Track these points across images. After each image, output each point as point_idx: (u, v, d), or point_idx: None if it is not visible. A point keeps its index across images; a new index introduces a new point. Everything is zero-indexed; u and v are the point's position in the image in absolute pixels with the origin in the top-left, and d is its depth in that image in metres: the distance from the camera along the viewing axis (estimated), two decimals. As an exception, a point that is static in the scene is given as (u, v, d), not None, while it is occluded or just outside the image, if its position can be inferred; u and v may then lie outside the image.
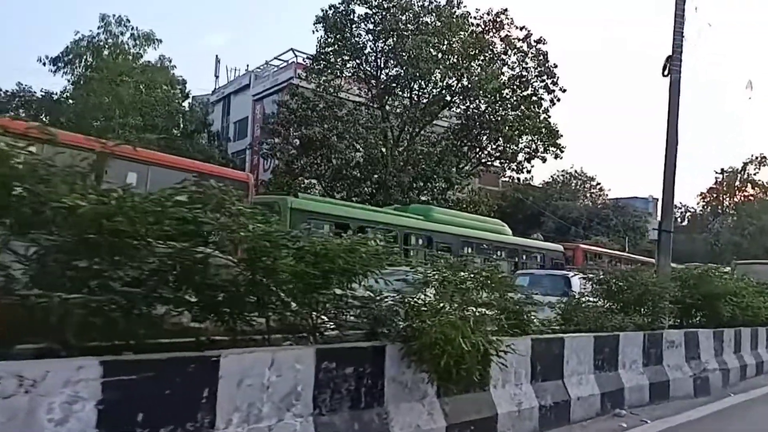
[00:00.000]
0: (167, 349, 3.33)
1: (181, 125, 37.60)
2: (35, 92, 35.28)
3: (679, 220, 61.95)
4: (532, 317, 6.01)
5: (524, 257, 19.44)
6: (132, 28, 34.03)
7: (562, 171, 67.68)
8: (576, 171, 69.06)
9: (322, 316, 4.56)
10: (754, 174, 56.91)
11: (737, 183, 58.19)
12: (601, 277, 8.07)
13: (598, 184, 71.53)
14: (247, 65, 46.43)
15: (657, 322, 8.09)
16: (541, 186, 62.06)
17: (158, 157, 10.09)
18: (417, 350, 3.94)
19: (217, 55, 61.79)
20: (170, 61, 37.97)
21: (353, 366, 3.87)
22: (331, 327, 5.23)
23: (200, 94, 47.78)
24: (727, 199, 59.36)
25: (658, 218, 9.45)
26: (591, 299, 8.02)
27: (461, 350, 3.78)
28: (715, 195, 59.57)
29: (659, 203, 9.28)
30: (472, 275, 5.61)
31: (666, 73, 9.37)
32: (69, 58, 34.51)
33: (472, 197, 26.50)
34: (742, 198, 58.13)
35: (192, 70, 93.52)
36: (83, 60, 35.22)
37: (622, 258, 26.80)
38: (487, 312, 5.07)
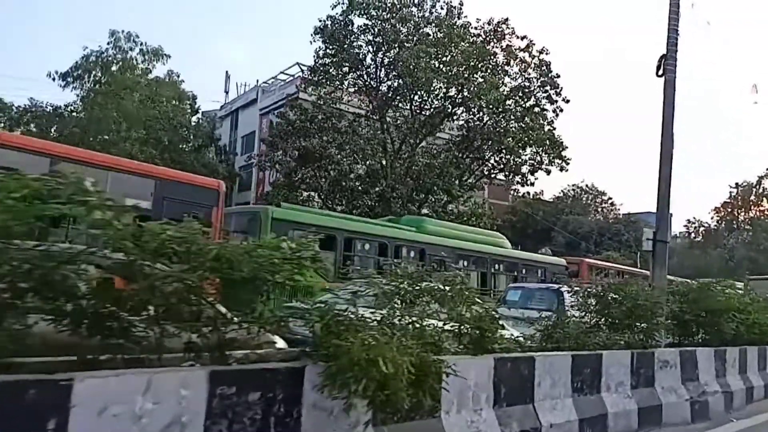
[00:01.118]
0: (31, 370, 2.81)
1: (190, 140, 37.86)
2: (46, 107, 35.63)
3: (693, 235, 60.83)
4: (503, 333, 5.42)
5: (524, 271, 18.73)
6: (141, 44, 34.34)
7: (573, 185, 66.89)
8: (587, 185, 68.25)
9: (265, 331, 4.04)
10: (770, 188, 55.67)
11: (752, 197, 56.95)
12: (586, 290, 7.43)
13: (610, 198, 70.51)
14: (257, 80, 46.63)
15: (650, 339, 7.42)
16: (551, 201, 61.37)
17: (119, 163, 9.67)
18: (334, 373, 3.36)
19: (227, 71, 62.25)
20: (178, 76, 38.30)
21: (261, 391, 3.30)
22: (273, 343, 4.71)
23: (210, 109, 48.16)
24: (742, 213, 58.05)
25: (655, 228, 8.78)
26: (576, 314, 7.40)
27: (382, 373, 3.20)
28: (729, 209, 58.30)
29: (665, 215, 8.66)
30: (430, 287, 5.05)
31: (660, 72, 8.79)
32: (78, 73, 34.84)
33: (474, 210, 25.84)
34: (758, 213, 56.82)
35: (210, 86, 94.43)
36: (92, 75, 35.54)
37: (629, 273, 25.93)
38: (437, 327, 4.50)
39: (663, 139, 8.57)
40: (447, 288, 5.01)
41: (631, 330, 7.25)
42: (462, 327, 5.07)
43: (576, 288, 7.72)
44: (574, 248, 49.38)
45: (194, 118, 40.06)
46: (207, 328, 3.45)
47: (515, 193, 46.16)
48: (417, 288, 4.93)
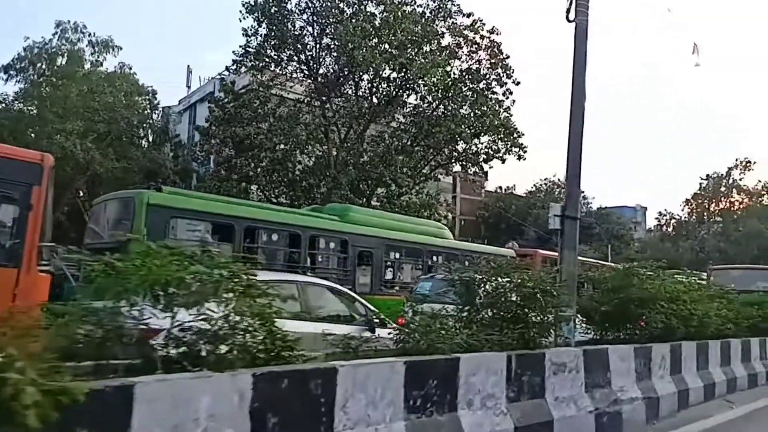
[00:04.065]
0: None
1: (141, 135, 36.24)
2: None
3: (664, 228, 60.26)
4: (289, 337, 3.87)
5: (466, 263, 17.19)
6: (89, 35, 32.51)
7: (545, 179, 66.34)
8: (560, 179, 67.59)
9: None
10: (740, 179, 55.26)
11: (722, 188, 56.56)
12: (457, 276, 5.93)
13: (582, 192, 69.96)
14: (219, 73, 44.90)
15: (543, 338, 5.94)
16: (524, 195, 60.53)
17: None
18: None
19: (188, 65, 60.28)
20: (130, 68, 36.53)
21: None
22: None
23: (171, 105, 46.20)
24: (713, 205, 57.64)
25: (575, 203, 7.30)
26: (449, 308, 5.90)
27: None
28: (700, 201, 57.84)
29: (575, 186, 7.16)
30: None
31: (571, 17, 7.30)
32: (23, 65, 32.94)
33: (424, 201, 24.34)
34: (728, 204, 56.42)
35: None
36: (36, 67, 33.63)
37: (591, 265, 24.62)
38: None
39: (573, 92, 7.11)
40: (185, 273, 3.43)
41: (527, 325, 5.76)
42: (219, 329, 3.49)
43: (446, 275, 6.20)
44: (545, 242, 48.41)
45: (155, 114, 38.40)
46: None
47: (481, 188, 44.91)
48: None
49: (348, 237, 14.11)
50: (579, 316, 7.95)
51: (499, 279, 5.97)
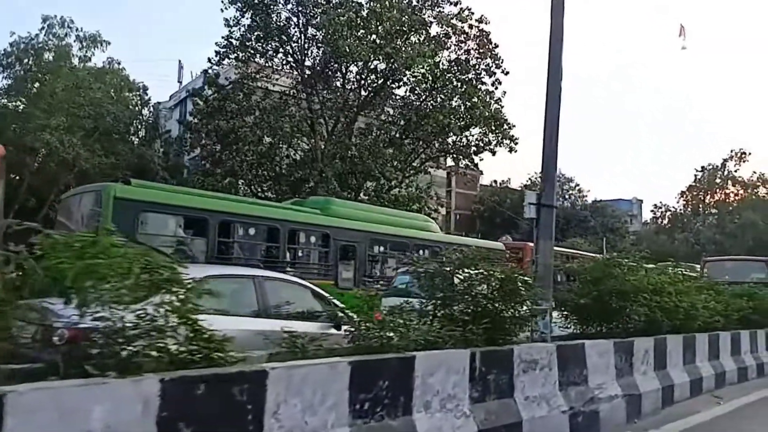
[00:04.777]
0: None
1: (132, 131, 35.88)
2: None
3: (659, 220, 59.96)
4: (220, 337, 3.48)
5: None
6: (77, 30, 32.11)
7: (540, 173, 65.81)
8: (554, 173, 67.31)
9: None
10: (735, 171, 54.97)
11: (718, 180, 56.24)
12: (422, 269, 5.54)
13: (577, 185, 69.84)
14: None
15: (512, 333, 5.57)
16: (519, 189, 60.23)
17: None
18: None
19: (180, 60, 59.76)
20: (119, 64, 36.09)
21: None
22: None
23: (164, 100, 45.72)
24: (708, 197, 57.36)
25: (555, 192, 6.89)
26: (413, 302, 5.53)
27: None
28: (695, 193, 57.55)
29: (551, 170, 6.76)
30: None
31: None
32: (9, 61, 32.55)
33: (412, 195, 23.92)
34: (723, 196, 56.13)
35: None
36: (23, 63, 33.23)
37: (581, 257, 24.26)
38: None
39: (550, 67, 6.72)
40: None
41: (494, 320, 5.39)
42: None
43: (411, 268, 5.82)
44: (540, 236, 48.11)
45: (145, 110, 37.99)
46: None
47: (476, 182, 44.42)
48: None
49: (330, 231, 13.71)
50: (559, 309, 7.62)
51: (467, 271, 5.60)
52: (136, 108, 36.53)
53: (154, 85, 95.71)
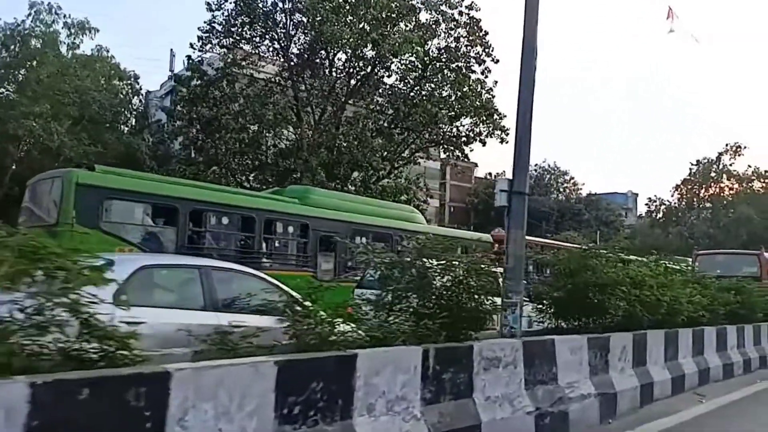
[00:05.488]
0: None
1: (121, 120, 35.41)
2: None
3: (654, 214, 59.67)
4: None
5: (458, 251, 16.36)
6: (64, 16, 31.57)
7: (535, 165, 65.88)
8: (549, 165, 67.06)
9: None
10: (730, 164, 54.66)
11: (712, 174, 55.93)
12: (378, 258, 5.14)
13: (572, 178, 69.58)
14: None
15: (477, 327, 5.18)
16: (513, 181, 59.73)
17: None
18: None
19: (171, 49, 59.06)
20: (108, 51, 35.52)
21: None
22: None
23: (154, 90, 45.11)
24: (703, 190, 57.07)
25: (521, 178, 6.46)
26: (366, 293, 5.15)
27: None
28: (690, 187, 57.25)
29: (524, 157, 6.33)
30: None
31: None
32: None
33: (402, 186, 23.51)
34: (717, 189, 55.85)
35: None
36: (10, 50, 32.70)
37: (560, 248, 23.87)
38: None
39: (523, 54, 6.29)
40: None
41: (453, 314, 4.99)
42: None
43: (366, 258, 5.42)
44: (534, 229, 47.86)
45: (135, 99, 37.47)
46: None
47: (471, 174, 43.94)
48: None
49: (309, 221, 13.27)
50: (534, 303, 7.24)
51: (428, 262, 5.20)
52: (127, 97, 36.03)
53: (149, 71, 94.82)
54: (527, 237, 7.17)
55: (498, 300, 5.93)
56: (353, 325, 4.58)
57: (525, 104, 6.20)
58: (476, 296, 5.12)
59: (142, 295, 4.99)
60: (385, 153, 23.82)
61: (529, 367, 5.31)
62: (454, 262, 5.06)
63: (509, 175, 6.68)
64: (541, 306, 6.88)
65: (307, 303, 5.01)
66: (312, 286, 5.09)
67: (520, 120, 6.30)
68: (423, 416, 4.28)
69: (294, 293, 6.45)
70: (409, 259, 5.25)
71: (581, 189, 67.25)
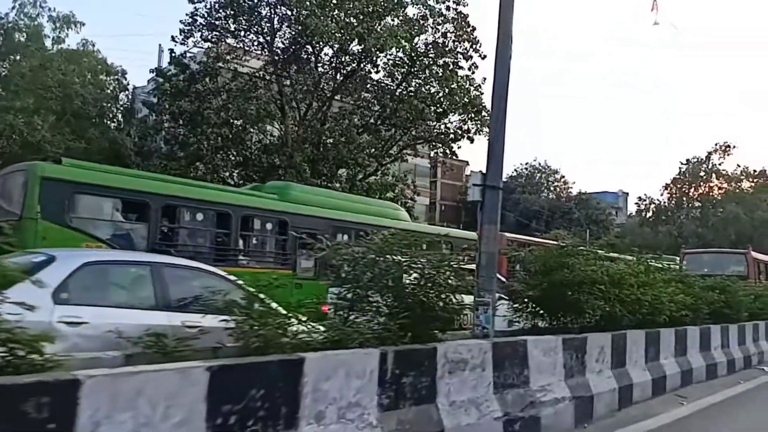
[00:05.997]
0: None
1: (109, 115, 34.90)
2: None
3: (644, 213, 59.73)
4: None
5: (424, 247, 16.08)
6: (49, 9, 31.09)
7: (526, 164, 65.91)
8: (539, 164, 67.02)
9: None
10: (719, 164, 54.82)
11: (702, 173, 56.10)
12: (338, 255, 4.85)
13: (563, 177, 69.53)
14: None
15: (443, 327, 4.91)
16: (505, 180, 59.62)
17: None
18: None
19: (160, 44, 58.46)
20: (93, 45, 35.01)
21: None
22: None
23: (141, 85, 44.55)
24: (692, 190, 57.24)
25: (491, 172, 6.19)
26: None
27: None
28: (679, 186, 57.39)
29: (499, 149, 6.05)
30: None
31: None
32: None
33: (388, 183, 23.21)
34: (707, 189, 56.03)
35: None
36: None
37: (538, 245, 23.71)
38: None
39: (498, 43, 6.02)
40: None
41: (415, 313, 4.71)
42: None
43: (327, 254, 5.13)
44: (524, 227, 47.77)
45: (122, 95, 36.95)
46: None
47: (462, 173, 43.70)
48: None
49: (288, 217, 12.94)
50: (511, 302, 6.98)
51: (392, 258, 4.91)
52: (114, 92, 35.51)
53: (141, 66, 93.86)
54: (516, 236, 6.95)
55: (470, 299, 5.69)
56: (313, 325, 4.30)
57: (499, 100, 5.95)
58: (443, 295, 4.84)
59: (86, 293, 4.68)
60: (372, 150, 23.51)
61: (499, 369, 5.04)
62: (419, 259, 4.77)
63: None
64: (517, 305, 6.61)
65: (272, 303, 4.74)
66: (260, 283, 4.75)
67: (494, 115, 6.05)
68: (379, 423, 3.99)
69: (262, 294, 6.15)
70: (373, 256, 4.96)
71: (572, 188, 67.24)
